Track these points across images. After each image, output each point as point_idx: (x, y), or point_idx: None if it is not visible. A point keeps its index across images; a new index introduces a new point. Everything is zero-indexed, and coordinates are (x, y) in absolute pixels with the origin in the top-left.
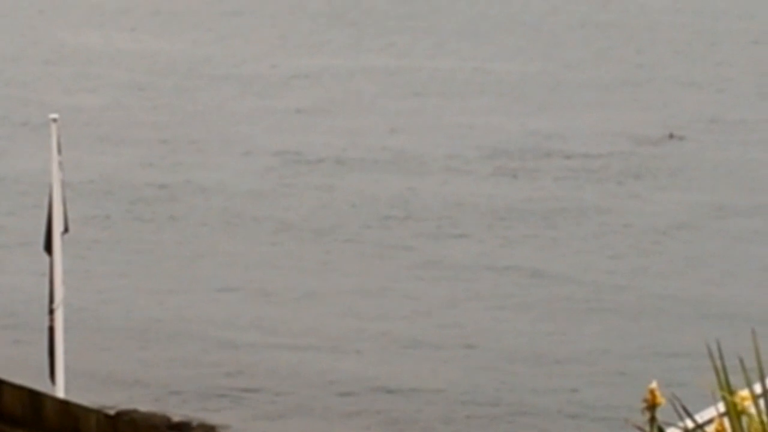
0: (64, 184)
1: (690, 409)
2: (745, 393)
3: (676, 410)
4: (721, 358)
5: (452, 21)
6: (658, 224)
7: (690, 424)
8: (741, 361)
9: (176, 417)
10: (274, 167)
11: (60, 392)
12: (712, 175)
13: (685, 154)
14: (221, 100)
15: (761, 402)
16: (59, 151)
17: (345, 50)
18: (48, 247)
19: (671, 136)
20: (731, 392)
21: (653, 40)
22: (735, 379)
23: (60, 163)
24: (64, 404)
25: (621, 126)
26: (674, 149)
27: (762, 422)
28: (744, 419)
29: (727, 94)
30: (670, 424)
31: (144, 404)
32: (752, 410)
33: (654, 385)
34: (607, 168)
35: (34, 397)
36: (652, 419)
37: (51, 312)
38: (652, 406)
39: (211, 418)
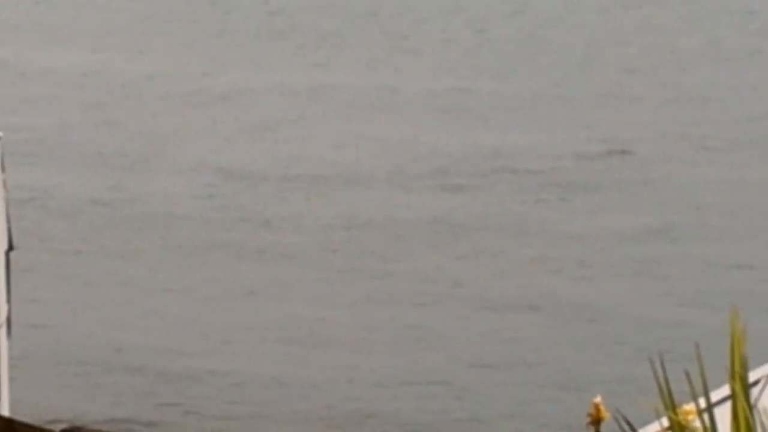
0: (7, 202)
1: (635, 423)
2: (689, 407)
3: (620, 426)
4: (665, 373)
5: (392, 37)
6: (601, 239)
7: None
8: (687, 374)
9: None
10: (216, 184)
11: (4, 410)
12: (656, 191)
13: (629, 170)
14: (164, 117)
15: (706, 416)
16: (2, 168)
17: (287, 67)
18: None
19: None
20: (675, 408)
21: (594, 55)
22: (681, 393)
23: (3, 181)
24: (8, 422)
25: (564, 141)
26: (618, 164)
27: None
28: None
29: (671, 108)
30: None
31: (91, 422)
32: (697, 424)
33: (598, 399)
34: (550, 183)
35: None
36: None
37: None
38: (596, 421)
39: None
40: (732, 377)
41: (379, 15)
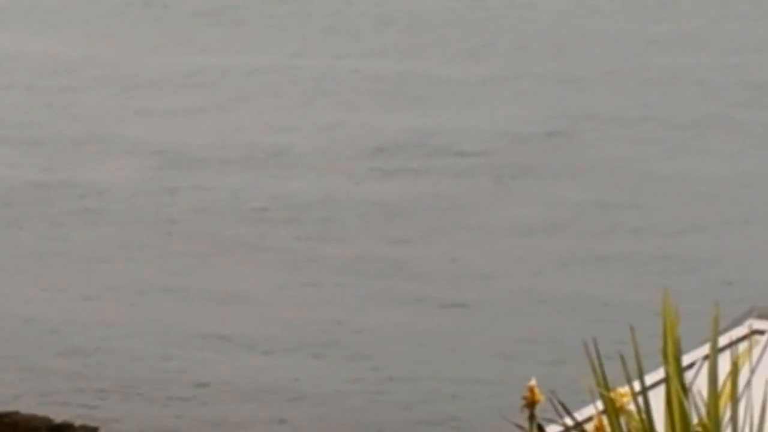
0: None
1: (571, 407)
2: (624, 390)
3: (555, 408)
4: (598, 355)
5: (326, 19)
6: (536, 220)
7: (570, 421)
8: (621, 357)
9: (58, 418)
10: (153, 167)
11: None
12: (592, 172)
13: (565, 151)
14: (101, 100)
15: (640, 399)
16: None
17: (221, 49)
18: None
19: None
20: (609, 389)
21: (530, 37)
22: (615, 375)
23: None
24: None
25: (500, 123)
26: (554, 146)
27: (641, 419)
28: (624, 417)
29: (607, 90)
30: (551, 422)
31: (25, 406)
32: (632, 407)
33: (533, 382)
34: (486, 165)
35: None
36: (532, 417)
37: None
38: (531, 404)
39: (94, 418)
40: (665, 359)
41: None
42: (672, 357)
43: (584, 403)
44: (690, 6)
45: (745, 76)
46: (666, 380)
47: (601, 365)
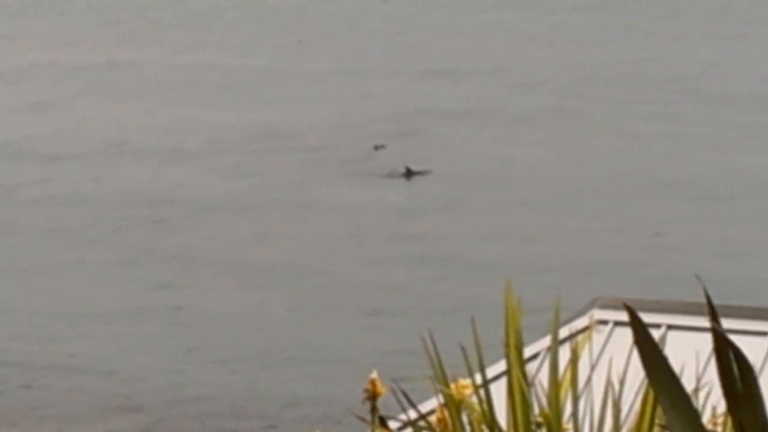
0: None
1: (416, 400)
2: (465, 382)
3: (399, 401)
4: (435, 347)
5: (171, 14)
6: (377, 213)
7: (413, 414)
8: (463, 349)
9: None
10: None
11: None
12: (435, 165)
13: (409, 147)
14: None
15: (482, 391)
16: None
17: (61, 46)
18: None
19: (376, 147)
20: (448, 382)
21: (362, 32)
22: (459, 368)
23: None
24: None
25: (342, 118)
26: (398, 140)
27: (483, 411)
28: (465, 409)
29: (438, 84)
30: (394, 415)
31: None
32: (474, 399)
33: (374, 375)
34: (330, 160)
35: None
36: (374, 409)
37: None
38: (372, 396)
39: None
40: (507, 349)
41: None
42: (513, 347)
43: (426, 398)
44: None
45: (576, 68)
46: (507, 370)
47: (438, 358)
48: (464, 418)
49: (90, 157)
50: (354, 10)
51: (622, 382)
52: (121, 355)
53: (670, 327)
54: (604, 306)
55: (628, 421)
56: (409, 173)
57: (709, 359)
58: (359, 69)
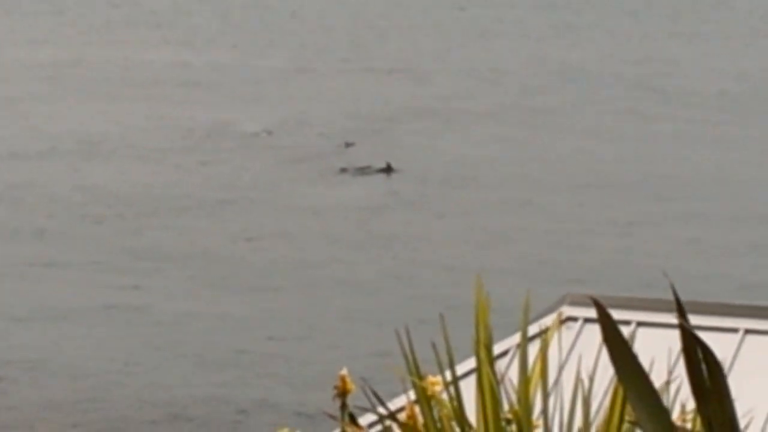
0: None
1: (386, 397)
2: (435, 378)
3: (368, 398)
4: (410, 343)
5: (136, 11)
6: (346, 211)
7: (383, 411)
8: (433, 345)
9: None
10: None
11: None
12: (405, 162)
13: (384, 144)
14: None
15: (452, 387)
16: None
17: (33, 43)
18: None
19: (347, 145)
20: (420, 377)
21: (332, 30)
22: (430, 365)
23: None
24: None
25: (307, 115)
26: (370, 138)
27: (453, 408)
28: (435, 405)
29: (407, 82)
30: (366, 407)
31: None
32: (444, 396)
33: (344, 371)
34: (301, 157)
35: None
36: (344, 406)
37: None
38: (342, 393)
39: None
40: (477, 346)
41: None
42: (483, 344)
43: (396, 394)
44: None
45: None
46: (477, 367)
47: (412, 353)
48: (435, 415)
49: (58, 156)
50: (318, 9)
51: (591, 379)
52: (89, 354)
53: (639, 324)
54: (574, 303)
55: (598, 417)
56: (389, 169)
57: (679, 356)
58: (322, 67)
